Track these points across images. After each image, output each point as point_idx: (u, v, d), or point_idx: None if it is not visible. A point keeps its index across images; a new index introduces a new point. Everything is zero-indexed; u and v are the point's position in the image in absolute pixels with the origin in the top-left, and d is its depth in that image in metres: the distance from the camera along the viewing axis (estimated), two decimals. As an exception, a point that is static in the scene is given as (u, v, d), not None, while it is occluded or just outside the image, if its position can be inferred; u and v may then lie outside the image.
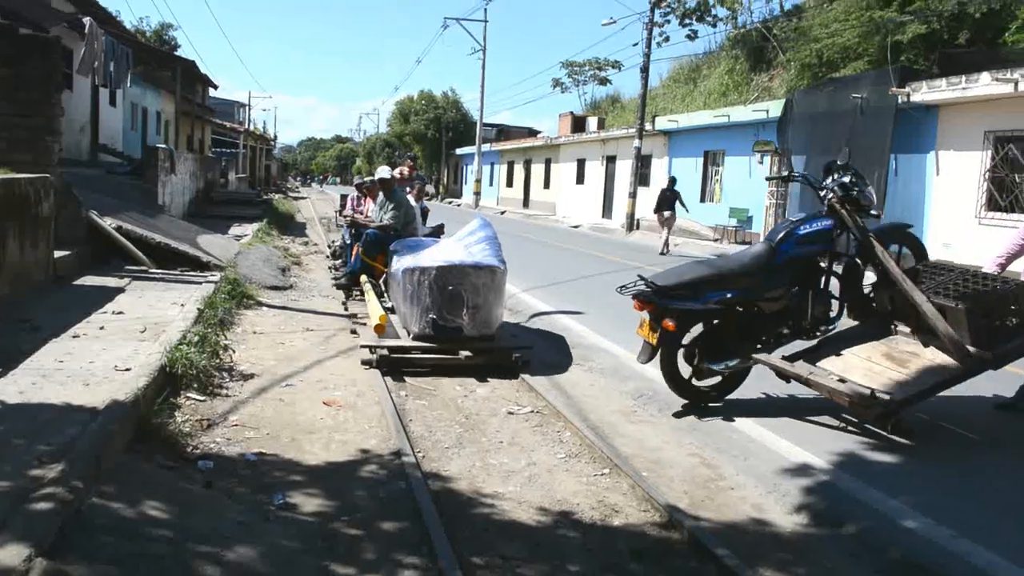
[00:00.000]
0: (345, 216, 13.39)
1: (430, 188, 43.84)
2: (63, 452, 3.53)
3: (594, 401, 6.02)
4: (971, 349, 5.26)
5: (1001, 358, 5.39)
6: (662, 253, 19.10)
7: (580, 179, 36.73)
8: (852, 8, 22.05)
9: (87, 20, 12.96)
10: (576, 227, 30.97)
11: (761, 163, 22.55)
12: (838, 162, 6.21)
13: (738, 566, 3.38)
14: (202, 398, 5.30)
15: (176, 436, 4.45)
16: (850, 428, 5.50)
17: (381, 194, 10.02)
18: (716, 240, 23.52)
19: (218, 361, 6.06)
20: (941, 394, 5.44)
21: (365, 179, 12.92)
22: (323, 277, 12.08)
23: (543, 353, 7.41)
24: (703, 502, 4.24)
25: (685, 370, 5.88)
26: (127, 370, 5.06)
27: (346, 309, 9.11)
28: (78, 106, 17.54)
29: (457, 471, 4.50)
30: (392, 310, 8.05)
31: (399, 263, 7.54)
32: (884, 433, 5.26)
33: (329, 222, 25.39)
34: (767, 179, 5.61)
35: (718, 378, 5.95)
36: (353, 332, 7.78)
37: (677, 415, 5.73)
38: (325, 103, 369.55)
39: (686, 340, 5.86)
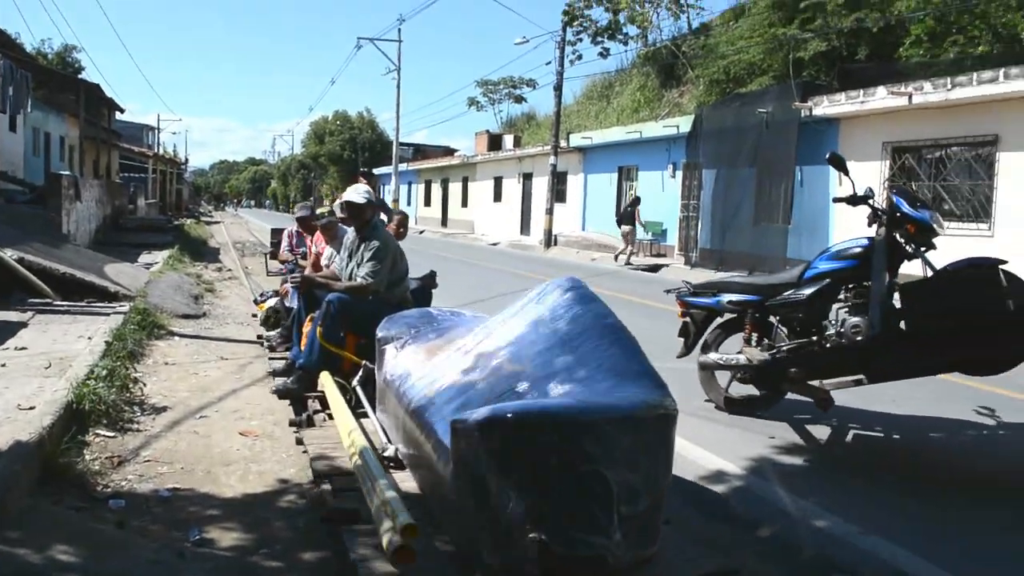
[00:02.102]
0: (284, 264, 9.75)
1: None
2: (-38, 498, 3.39)
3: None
4: None
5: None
6: (627, 264, 21.62)
7: (498, 197, 36.95)
8: (756, 26, 22.85)
9: (-19, 45, 12.51)
10: (495, 244, 31.13)
11: (673, 177, 23.10)
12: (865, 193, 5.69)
13: (658, 577, 3.43)
14: (112, 434, 5.14)
15: (85, 475, 4.29)
16: (763, 434, 5.67)
17: (351, 231, 6.45)
18: (632, 253, 23.93)
19: (128, 395, 5.87)
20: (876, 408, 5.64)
21: (324, 209, 8.60)
22: (237, 304, 11.84)
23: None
24: (623, 515, 4.30)
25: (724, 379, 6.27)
26: (31, 408, 4.87)
27: (302, 445, 4.91)
28: (-26, 134, 16.90)
29: (379, 496, 4.46)
30: (396, 462, 4.22)
31: (416, 382, 4.08)
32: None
33: (243, 247, 24.95)
34: (835, 200, 5.61)
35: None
36: (335, 539, 3.59)
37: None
38: (238, 124, 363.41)
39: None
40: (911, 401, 6.52)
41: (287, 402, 5.96)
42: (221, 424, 5.61)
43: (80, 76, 29.77)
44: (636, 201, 22.96)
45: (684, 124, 22.15)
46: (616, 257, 22.13)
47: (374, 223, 6.30)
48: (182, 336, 8.71)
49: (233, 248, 23.82)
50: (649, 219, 24.18)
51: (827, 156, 5.79)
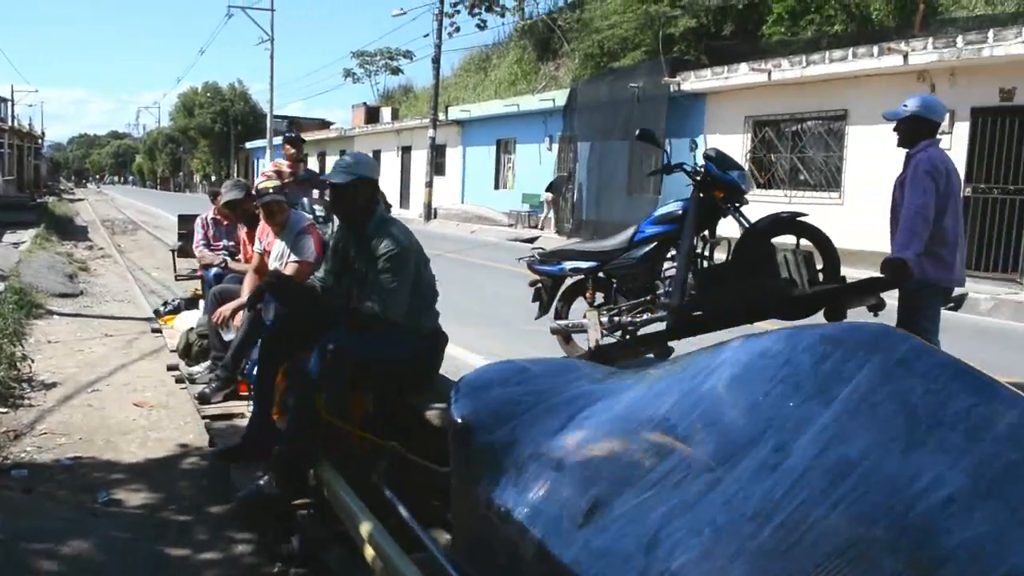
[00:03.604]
0: (205, 268, 6.54)
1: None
2: None
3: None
4: None
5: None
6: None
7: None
8: (629, 1, 23.48)
9: None
10: (376, 218, 31.04)
11: (550, 150, 23.66)
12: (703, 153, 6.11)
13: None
14: (4, 410, 5.17)
15: (-18, 449, 4.37)
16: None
17: (337, 227, 4.50)
18: (511, 225, 24.42)
19: (16, 372, 5.87)
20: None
21: (263, 183, 5.33)
22: (114, 282, 11.63)
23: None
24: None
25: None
26: (-83, 387, 4.87)
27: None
28: None
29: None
30: None
31: (584, 535, 1.84)
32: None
33: (112, 224, 24.14)
34: (649, 174, 5.95)
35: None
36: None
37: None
38: (98, 96, 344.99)
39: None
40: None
41: (179, 371, 6.00)
42: (114, 396, 5.70)
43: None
44: (566, 178, 22.98)
45: (560, 98, 22.67)
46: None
47: (380, 214, 3.91)
48: (62, 315, 8.59)
49: (102, 226, 23.02)
50: (527, 191, 24.68)
51: (636, 134, 6.10)
